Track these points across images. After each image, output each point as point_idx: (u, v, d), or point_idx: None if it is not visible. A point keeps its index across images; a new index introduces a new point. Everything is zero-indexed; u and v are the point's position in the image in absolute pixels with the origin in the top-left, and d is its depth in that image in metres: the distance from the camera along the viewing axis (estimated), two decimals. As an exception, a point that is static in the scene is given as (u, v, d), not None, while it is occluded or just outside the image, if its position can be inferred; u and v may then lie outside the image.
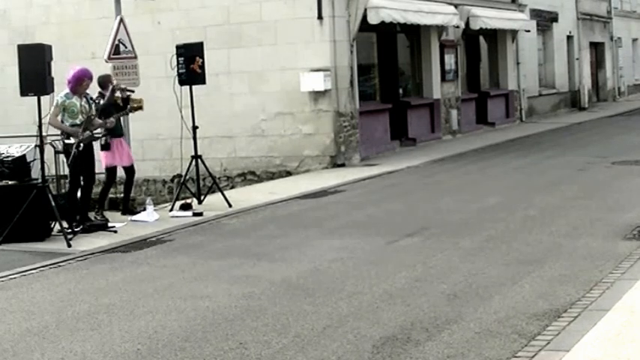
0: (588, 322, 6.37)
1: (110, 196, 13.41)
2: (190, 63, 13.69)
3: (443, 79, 23.58)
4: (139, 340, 6.56)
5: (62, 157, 12.29)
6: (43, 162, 11.07)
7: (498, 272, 8.18)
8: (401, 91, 22.69)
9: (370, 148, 19.85)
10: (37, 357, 6.32)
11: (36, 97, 10.97)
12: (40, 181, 11.06)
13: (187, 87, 13.84)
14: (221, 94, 18.92)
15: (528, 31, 28.99)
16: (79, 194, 11.89)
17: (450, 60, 23.95)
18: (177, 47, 13.93)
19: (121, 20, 14.00)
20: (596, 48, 38.18)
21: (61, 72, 11.77)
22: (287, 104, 18.66)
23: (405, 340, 6.22)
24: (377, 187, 15.28)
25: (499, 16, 25.97)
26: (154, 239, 11.13)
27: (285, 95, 18.66)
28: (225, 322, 6.93)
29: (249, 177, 19.03)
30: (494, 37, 27.78)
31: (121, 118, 13.19)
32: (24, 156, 11.64)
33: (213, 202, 13.64)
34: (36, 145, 11.63)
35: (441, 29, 22.92)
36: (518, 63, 28.87)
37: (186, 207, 13.03)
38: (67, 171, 12.14)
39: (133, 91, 13.01)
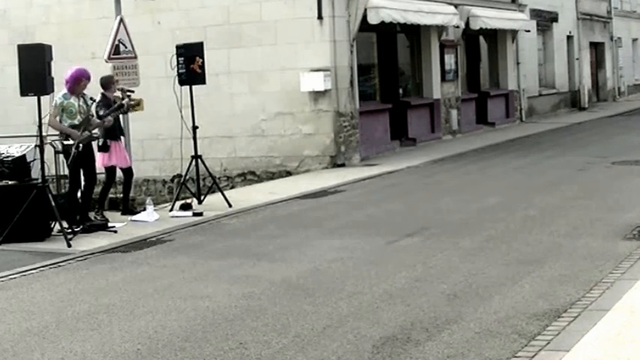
0: (588, 322, 6.37)
1: (110, 196, 13.41)
2: (190, 63, 13.69)
3: (443, 79, 23.58)
4: (139, 340, 6.56)
5: (62, 157, 12.29)
6: (43, 162, 11.07)
7: (498, 272, 8.18)
8: (401, 91, 22.69)
9: (370, 148, 19.85)
10: (37, 357, 6.32)
11: (36, 97, 10.97)
12: (40, 181, 11.06)
13: (187, 87, 13.84)
14: (221, 94, 18.92)
15: (528, 31, 29.00)
16: (79, 194, 11.90)
17: (450, 60, 23.95)
18: (177, 47, 13.93)
19: (121, 20, 14.00)
20: (596, 48, 38.18)
21: (61, 72, 11.76)
22: (287, 104, 18.66)
23: (405, 340, 6.22)
24: (377, 187, 15.28)
25: (499, 16, 25.97)
26: (154, 239, 11.13)
27: (285, 95, 18.66)
28: (225, 322, 6.93)
29: (249, 177, 19.03)
30: (494, 37, 27.78)
31: (121, 120, 13.21)
32: (24, 156, 11.64)
33: (213, 202, 13.64)
34: (36, 145, 11.63)
35: (441, 29, 22.92)
36: (518, 63, 28.87)
37: (186, 207, 13.03)
38: (67, 171, 12.15)
39: (132, 91, 13.01)
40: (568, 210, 11.58)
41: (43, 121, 11.19)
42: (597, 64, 38.43)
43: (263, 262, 9.30)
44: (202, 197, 13.96)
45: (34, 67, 10.77)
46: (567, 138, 23.17)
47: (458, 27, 23.40)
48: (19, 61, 10.91)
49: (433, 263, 8.75)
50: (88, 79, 11.89)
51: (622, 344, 5.82)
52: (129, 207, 13.16)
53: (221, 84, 18.73)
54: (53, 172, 13.18)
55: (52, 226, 11.27)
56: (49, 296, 8.25)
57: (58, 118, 11.70)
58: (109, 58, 13.80)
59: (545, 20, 31.65)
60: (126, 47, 13.97)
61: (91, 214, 12.23)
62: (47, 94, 11.05)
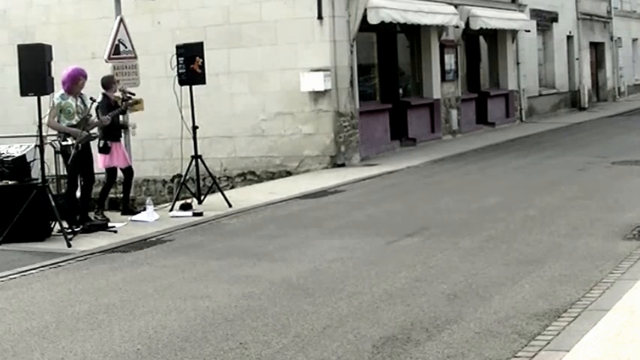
0: (588, 322, 6.37)
1: (110, 196, 13.42)
2: (190, 63, 13.69)
3: (443, 79, 23.58)
4: (139, 340, 6.56)
5: (62, 157, 12.29)
6: (43, 162, 11.07)
7: (498, 272, 8.18)
8: (401, 91, 22.69)
9: (370, 148, 19.85)
10: (37, 357, 6.32)
11: (36, 97, 10.97)
12: (40, 181, 11.06)
13: (187, 87, 13.84)
14: (221, 94, 18.92)
15: (528, 31, 29.00)
16: (78, 194, 11.90)
17: (450, 60, 23.95)
18: (177, 47, 13.93)
19: (121, 20, 14.00)
20: (596, 48, 38.18)
21: (61, 72, 11.77)
22: (287, 104, 18.66)
23: (405, 340, 6.22)
24: (377, 187, 15.28)
25: (499, 16, 25.97)
26: (154, 239, 11.13)
27: (285, 95, 18.66)
28: (225, 322, 6.93)
29: (249, 177, 19.03)
30: (494, 37, 27.78)
31: (121, 120, 13.20)
32: (24, 156, 11.64)
33: (213, 202, 13.64)
34: (36, 145, 11.63)
35: (441, 29, 22.92)
36: (518, 63, 28.87)
37: (186, 207, 13.03)
38: (66, 171, 12.14)
39: (133, 94, 13.03)
40: (568, 210, 11.58)
41: (43, 121, 11.20)
42: (597, 64, 38.44)
43: (263, 262, 9.30)
44: (202, 197, 13.96)
45: (34, 67, 10.77)
46: (567, 138, 23.18)
47: (458, 27, 23.40)
48: (19, 61, 10.91)
49: (433, 263, 8.75)
50: (86, 77, 11.89)
51: (622, 344, 5.82)
52: (129, 207, 13.16)
53: (221, 84, 18.74)
54: (53, 172, 13.18)
55: (52, 226, 11.27)
56: (49, 296, 8.25)
57: (56, 119, 11.70)
58: (109, 58, 13.80)
59: (545, 20, 31.65)
60: (126, 47, 13.97)
61: (91, 214, 12.23)
62: (47, 94, 11.06)
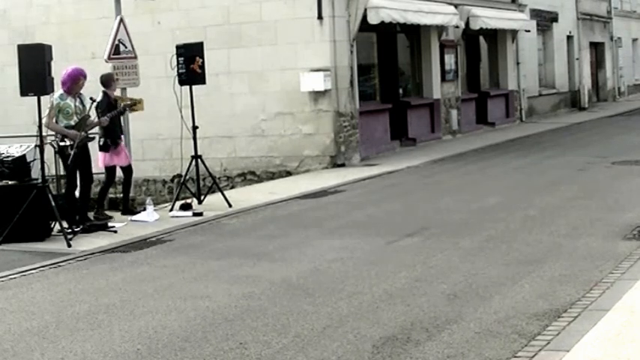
0: (588, 322, 6.37)
1: (110, 195, 13.42)
2: (190, 63, 13.69)
3: (443, 79, 23.58)
4: (139, 340, 6.56)
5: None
6: (43, 162, 11.07)
7: (498, 272, 8.18)
8: (401, 91, 22.69)
9: (370, 148, 19.85)
10: (37, 357, 6.32)
11: (36, 97, 10.97)
12: (40, 181, 11.06)
13: (187, 87, 13.84)
14: (221, 94, 18.92)
15: (528, 31, 29.00)
16: (76, 194, 11.90)
17: (450, 60, 23.95)
18: (177, 47, 13.93)
19: (121, 20, 14.00)
20: (596, 48, 38.18)
21: (61, 72, 11.77)
22: (287, 104, 18.66)
23: (405, 340, 6.22)
24: (377, 187, 15.28)
25: (499, 16, 25.97)
26: (154, 239, 11.13)
27: (285, 95, 18.66)
28: (225, 322, 6.93)
29: (249, 177, 19.03)
30: (494, 37, 27.78)
31: (122, 120, 13.21)
32: (24, 156, 11.64)
33: (213, 202, 13.64)
34: (36, 145, 11.63)
35: (441, 29, 22.92)
36: (518, 63, 28.87)
37: (186, 207, 13.03)
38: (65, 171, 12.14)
39: (136, 102, 13.06)
40: (568, 210, 11.58)
41: (42, 121, 11.20)
42: (597, 64, 38.44)
43: (263, 262, 9.30)
44: (202, 197, 13.96)
45: (34, 67, 10.77)
46: (567, 138, 23.17)
47: (458, 27, 23.40)
48: (19, 61, 10.90)
49: (433, 263, 8.75)
50: (85, 77, 11.90)
51: (622, 344, 5.82)
52: (129, 207, 13.16)
53: (221, 84, 18.74)
54: (53, 172, 13.18)
55: (52, 226, 11.27)
56: (49, 296, 8.25)
57: (54, 119, 11.69)
58: (109, 58, 13.81)
59: (545, 20, 31.65)
60: (126, 47, 13.97)
61: (90, 214, 12.23)
62: (47, 94, 11.06)
